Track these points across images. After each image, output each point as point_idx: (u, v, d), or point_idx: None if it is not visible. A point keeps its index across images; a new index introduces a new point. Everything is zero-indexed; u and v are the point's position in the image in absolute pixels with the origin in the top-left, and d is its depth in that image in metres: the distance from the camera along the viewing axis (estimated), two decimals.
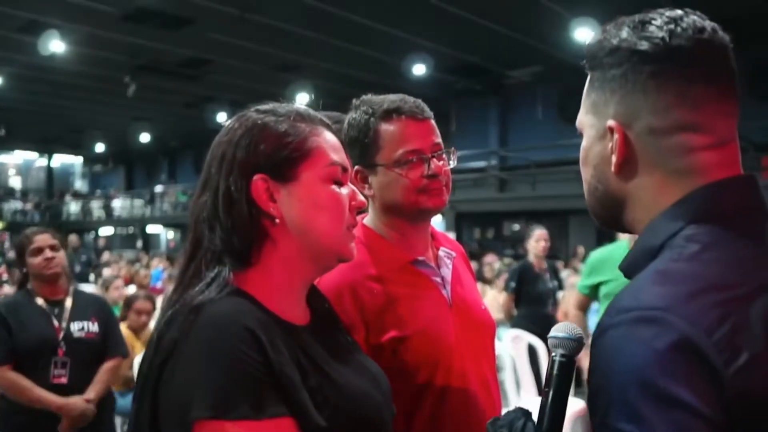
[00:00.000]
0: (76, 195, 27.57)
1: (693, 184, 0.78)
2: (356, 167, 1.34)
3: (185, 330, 0.85)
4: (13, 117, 18.48)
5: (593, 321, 3.79)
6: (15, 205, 25.89)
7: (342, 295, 1.23)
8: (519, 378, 4.68)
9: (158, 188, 22.90)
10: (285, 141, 0.97)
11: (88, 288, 7.45)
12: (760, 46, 9.80)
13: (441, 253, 1.41)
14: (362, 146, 1.33)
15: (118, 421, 3.73)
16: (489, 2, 9.57)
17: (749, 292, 0.69)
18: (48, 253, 2.74)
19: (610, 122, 0.81)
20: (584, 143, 0.87)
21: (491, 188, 15.09)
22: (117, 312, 4.37)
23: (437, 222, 12.86)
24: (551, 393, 0.86)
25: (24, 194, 28.93)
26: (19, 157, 30.38)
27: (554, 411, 0.85)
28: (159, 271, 10.38)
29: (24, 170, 31.76)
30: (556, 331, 0.89)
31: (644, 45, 0.78)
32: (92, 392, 2.71)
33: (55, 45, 10.90)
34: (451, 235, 2.22)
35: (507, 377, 4.67)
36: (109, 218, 24.07)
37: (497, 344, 1.61)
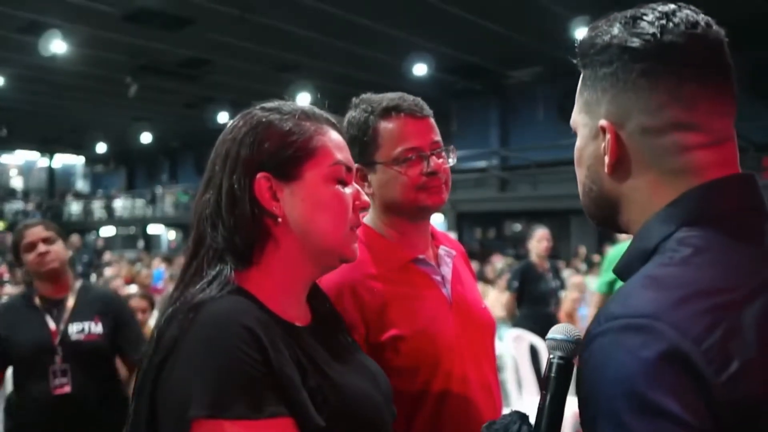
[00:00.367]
0: (78, 195, 27.57)
1: (688, 184, 0.75)
2: (356, 165, 1.33)
3: (185, 328, 0.85)
4: (15, 117, 18.50)
5: None
6: (16, 205, 25.93)
7: (342, 294, 1.23)
8: (521, 378, 4.67)
9: (158, 190, 22.89)
10: (289, 139, 0.97)
11: None
12: (760, 46, 9.79)
13: (441, 251, 1.40)
14: (361, 144, 1.33)
15: None
16: (490, 2, 9.57)
17: (743, 295, 0.67)
18: (41, 248, 2.43)
19: (602, 122, 0.79)
20: (578, 143, 0.85)
21: (492, 188, 15.08)
22: None
23: (438, 222, 12.88)
24: (549, 396, 0.85)
25: (25, 195, 28.95)
26: (20, 157, 30.37)
27: (552, 413, 0.84)
28: (160, 272, 10.37)
29: (25, 171, 31.77)
30: (554, 332, 0.88)
31: (635, 42, 0.76)
32: None
33: (56, 45, 10.90)
34: (453, 236, 2.21)
35: (509, 377, 4.66)
36: (111, 218, 24.08)
37: (499, 344, 1.60)
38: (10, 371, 2.54)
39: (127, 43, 11.47)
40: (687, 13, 0.77)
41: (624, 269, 0.80)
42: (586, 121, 0.83)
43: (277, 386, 0.83)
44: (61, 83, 14.45)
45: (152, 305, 4.48)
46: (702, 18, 0.77)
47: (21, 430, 2.44)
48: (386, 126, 1.32)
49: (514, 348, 4.72)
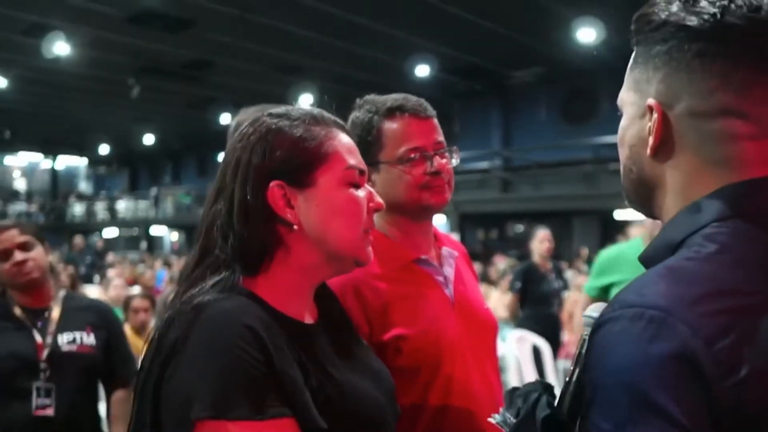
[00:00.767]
0: (81, 197, 27.64)
1: (726, 178, 0.72)
2: None
3: (187, 328, 0.84)
4: (18, 119, 18.57)
5: None
6: (20, 207, 26.02)
7: (345, 293, 1.23)
8: (523, 379, 4.66)
9: (155, 191, 22.90)
10: (301, 146, 0.96)
11: (92, 289, 7.44)
12: None
13: (444, 252, 1.41)
14: (365, 144, 1.33)
15: None
16: (491, 3, 9.57)
17: (765, 300, 0.64)
18: (18, 256, 2.08)
19: (651, 101, 0.75)
20: (623, 122, 0.81)
21: (495, 189, 15.07)
22: (118, 313, 4.37)
23: (441, 223, 12.87)
24: (576, 372, 0.83)
25: (29, 196, 29.06)
26: (23, 159, 30.47)
27: (577, 389, 0.82)
28: (163, 273, 10.39)
29: (28, 172, 31.86)
30: (591, 311, 0.87)
31: (693, 21, 0.72)
32: None
33: (59, 47, 10.95)
34: (455, 237, 2.21)
35: (511, 378, 4.66)
36: (114, 220, 24.14)
37: (501, 345, 1.60)
38: None
39: (130, 44, 11.51)
40: None
41: (649, 259, 0.77)
42: (634, 99, 0.79)
43: (280, 387, 0.83)
44: (63, 85, 14.50)
45: (154, 305, 4.50)
46: (766, 2, 0.72)
47: None
48: (390, 126, 1.33)
49: (516, 349, 4.72)
